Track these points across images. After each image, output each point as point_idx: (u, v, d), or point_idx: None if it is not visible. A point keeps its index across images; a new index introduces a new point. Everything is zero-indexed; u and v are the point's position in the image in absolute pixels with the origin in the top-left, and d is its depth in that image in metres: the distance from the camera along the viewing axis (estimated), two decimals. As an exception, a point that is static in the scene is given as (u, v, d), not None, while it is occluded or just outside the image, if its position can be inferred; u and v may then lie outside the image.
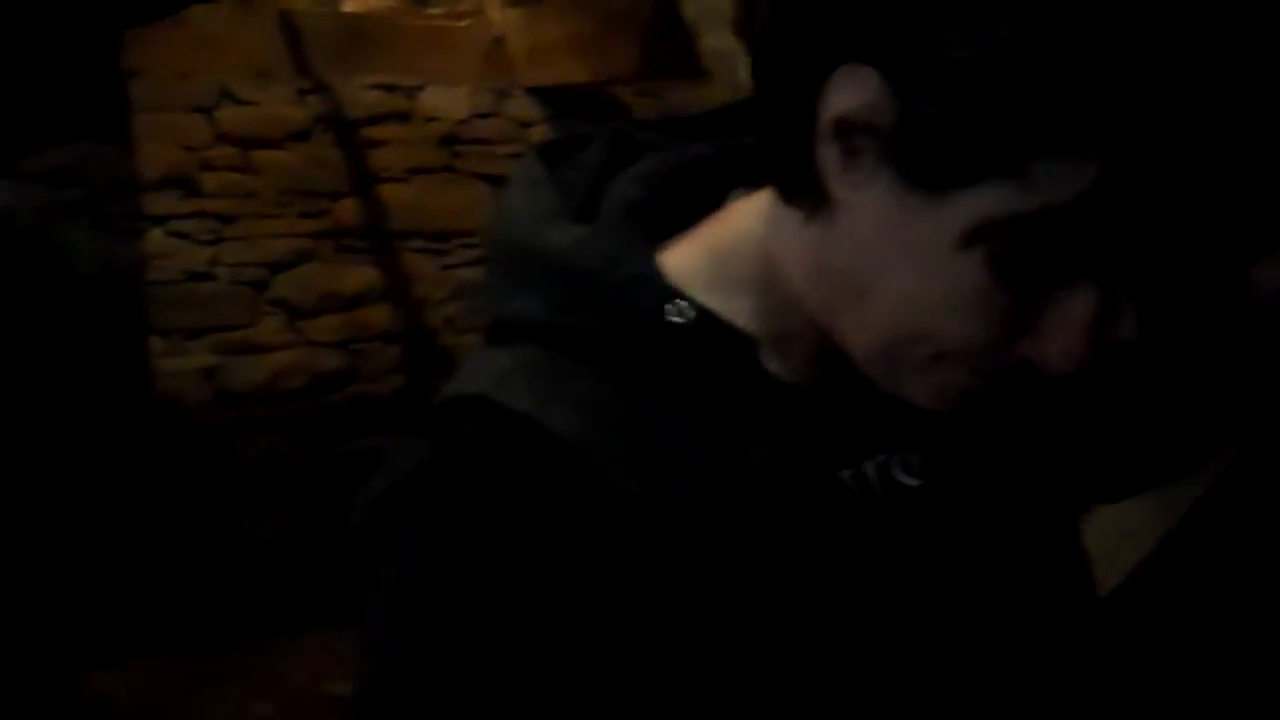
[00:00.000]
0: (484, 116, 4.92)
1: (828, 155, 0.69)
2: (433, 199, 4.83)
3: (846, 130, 0.68)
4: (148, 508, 4.29)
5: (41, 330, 4.20)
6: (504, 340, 0.79)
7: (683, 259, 0.79)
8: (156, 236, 4.45)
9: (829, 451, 0.76)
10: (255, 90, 4.62)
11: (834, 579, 0.75)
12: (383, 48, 4.84)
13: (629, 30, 4.49)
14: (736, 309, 0.77)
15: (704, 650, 0.72)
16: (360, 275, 4.73)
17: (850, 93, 0.67)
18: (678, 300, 0.75)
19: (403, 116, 4.82)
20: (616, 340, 0.75)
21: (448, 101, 4.87)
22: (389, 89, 4.80)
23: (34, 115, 4.13)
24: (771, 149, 0.74)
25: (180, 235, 4.48)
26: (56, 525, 4.12)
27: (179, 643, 4.12)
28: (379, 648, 0.74)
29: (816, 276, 0.74)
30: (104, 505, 4.20)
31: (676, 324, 0.75)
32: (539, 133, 4.97)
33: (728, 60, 3.29)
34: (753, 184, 0.82)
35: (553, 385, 0.75)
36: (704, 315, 0.75)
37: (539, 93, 4.93)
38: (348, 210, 4.72)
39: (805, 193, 0.72)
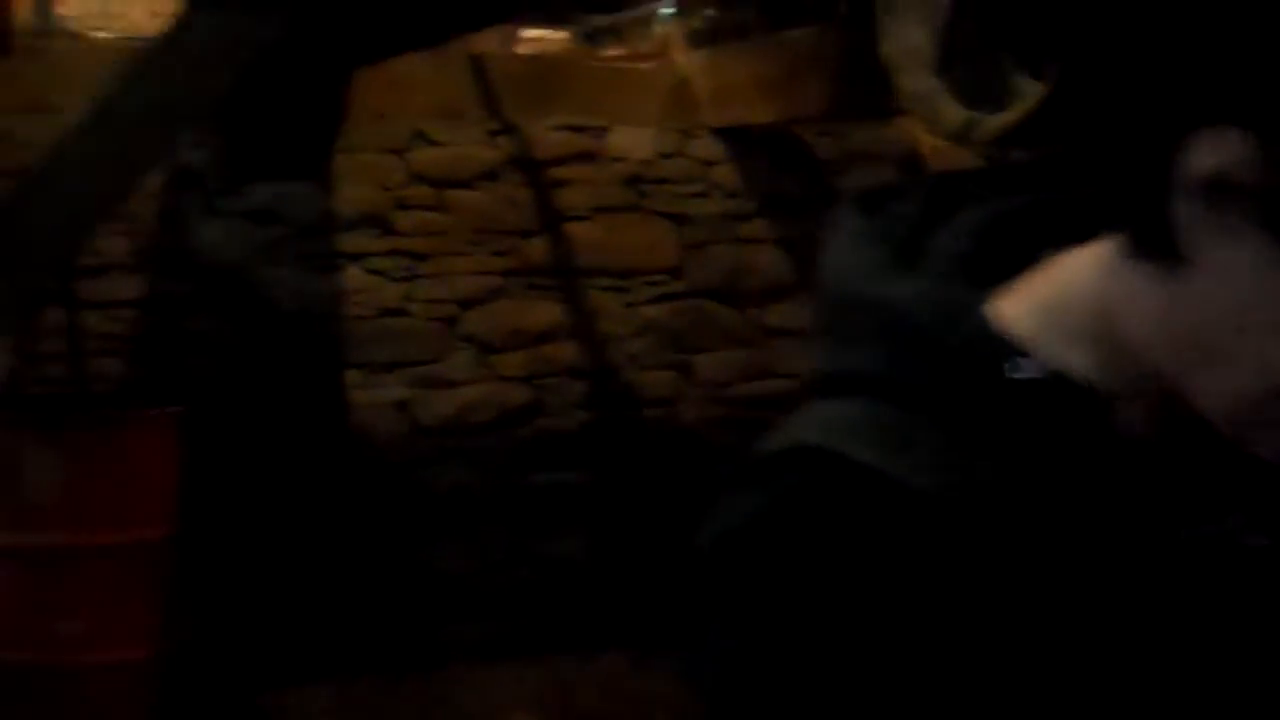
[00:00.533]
0: (668, 156, 4.98)
1: (1188, 212, 0.70)
2: (618, 237, 4.90)
3: (1211, 188, 0.69)
4: (343, 534, 4.41)
5: (246, 363, 4.35)
6: (838, 393, 0.80)
7: (1014, 312, 0.80)
8: (354, 273, 4.59)
9: (1172, 508, 0.77)
10: (447, 131, 4.75)
11: (1177, 639, 0.75)
12: (570, 89, 4.93)
13: (815, 71, 4.52)
14: (1071, 363, 0.78)
15: (1050, 704, 0.73)
16: (547, 312, 4.82)
17: (1217, 151, 0.68)
18: (1021, 356, 0.76)
19: (589, 156, 4.90)
20: (959, 395, 0.77)
21: (633, 142, 4.94)
22: (576, 130, 4.89)
23: (241, 156, 4.29)
24: (1122, 204, 0.75)
25: (376, 272, 4.62)
26: (256, 549, 4.25)
27: (371, 668, 4.22)
28: (721, 694, 0.76)
29: (1167, 332, 0.74)
30: (302, 531, 4.33)
31: (1022, 379, 0.76)
32: (722, 172, 5.02)
33: (927, 101, 3.29)
34: (1068, 236, 0.83)
35: (895, 438, 0.76)
36: (1054, 371, 0.76)
37: (723, 133, 4.98)
38: (536, 248, 4.82)
39: (1158, 248, 0.73)
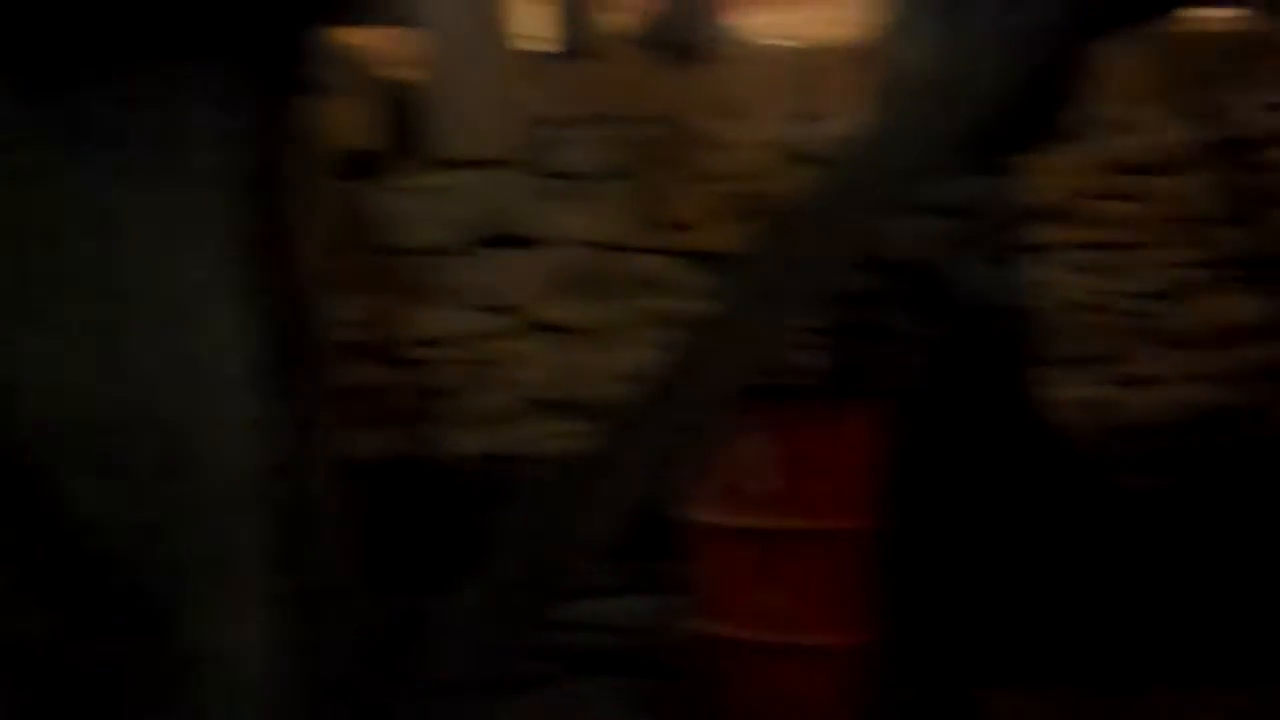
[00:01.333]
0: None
1: None
2: (1336, 224, 4.49)
3: None
4: (1037, 534, 4.28)
5: (938, 358, 4.33)
6: None
7: None
8: (1042, 267, 4.46)
9: None
10: (1137, 117, 4.53)
11: None
12: (1271, 65, 4.58)
13: None
14: None
15: None
16: (1252, 306, 4.48)
17: None
18: None
19: (1300, 137, 4.53)
20: None
21: (1354, 118, 4.52)
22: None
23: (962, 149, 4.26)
24: None
25: (1066, 265, 4.47)
26: (951, 545, 4.21)
27: (1075, 676, 4.04)
28: None
29: None
30: (995, 529, 4.25)
31: None
32: None
33: None
34: None
35: None
36: None
37: None
38: (1239, 238, 4.49)
39: None
